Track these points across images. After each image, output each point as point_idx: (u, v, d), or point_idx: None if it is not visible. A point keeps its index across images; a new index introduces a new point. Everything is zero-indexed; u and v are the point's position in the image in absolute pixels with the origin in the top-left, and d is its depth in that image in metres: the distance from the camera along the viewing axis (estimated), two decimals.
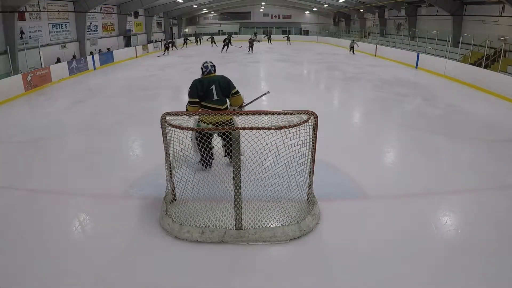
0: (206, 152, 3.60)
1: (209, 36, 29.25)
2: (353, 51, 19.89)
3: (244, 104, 4.30)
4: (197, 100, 4.00)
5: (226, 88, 4.05)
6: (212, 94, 3.97)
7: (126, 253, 3.00)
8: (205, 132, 3.38)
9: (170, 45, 22.59)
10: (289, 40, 28.93)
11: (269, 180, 3.26)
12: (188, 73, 12.93)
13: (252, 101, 4.64)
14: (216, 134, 3.92)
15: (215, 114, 3.72)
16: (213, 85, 3.98)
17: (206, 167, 4.06)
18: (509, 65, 10.65)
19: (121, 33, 20.70)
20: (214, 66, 4.19)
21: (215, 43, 26.82)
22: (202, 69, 4.15)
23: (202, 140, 3.44)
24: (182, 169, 3.29)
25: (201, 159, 3.91)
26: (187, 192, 3.33)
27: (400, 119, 7.12)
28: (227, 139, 3.37)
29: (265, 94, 4.95)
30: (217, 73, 4.21)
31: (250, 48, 21.01)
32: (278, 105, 8.03)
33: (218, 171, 3.18)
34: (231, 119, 3.68)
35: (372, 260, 2.88)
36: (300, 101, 8.59)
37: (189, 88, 4.04)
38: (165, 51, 21.53)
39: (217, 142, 4.17)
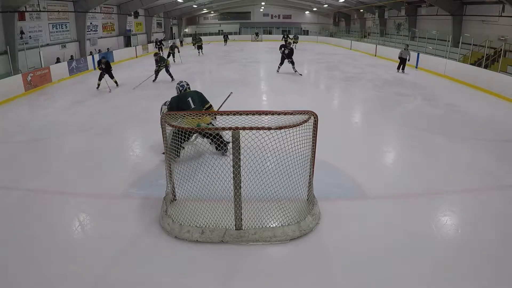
0: (176, 147, 3.74)
1: (194, 38, 22.24)
2: (403, 68, 12.69)
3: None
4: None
5: (201, 100, 4.73)
6: (189, 104, 4.62)
7: (126, 253, 3.00)
8: (184, 132, 3.55)
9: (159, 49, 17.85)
10: (295, 42, 23.34)
11: (269, 180, 3.26)
12: (188, 73, 12.93)
13: (220, 106, 5.36)
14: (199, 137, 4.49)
15: (200, 117, 4.12)
16: (189, 98, 4.67)
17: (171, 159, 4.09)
18: (509, 65, 10.65)
19: (121, 33, 20.68)
20: (188, 84, 4.91)
21: (201, 49, 19.91)
22: (178, 88, 4.85)
23: (179, 136, 3.48)
24: (182, 169, 3.29)
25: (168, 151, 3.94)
26: (187, 192, 3.33)
27: (400, 119, 7.13)
28: (211, 138, 4.15)
29: (229, 96, 5.59)
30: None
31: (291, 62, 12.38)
32: (278, 105, 8.05)
33: (218, 171, 3.18)
34: (210, 122, 4.41)
35: (372, 260, 2.89)
36: (300, 101, 8.59)
37: (168, 104, 4.77)
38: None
39: (203, 143, 4.56)
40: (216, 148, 4.55)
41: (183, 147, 4.12)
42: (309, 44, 28.66)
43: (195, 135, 4.50)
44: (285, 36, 26.26)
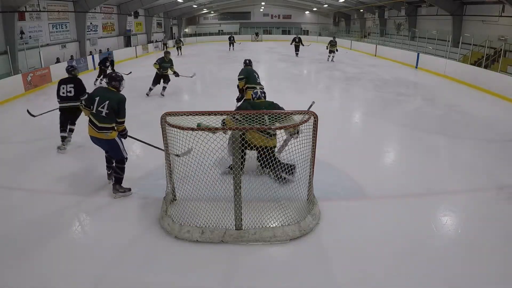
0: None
1: (177, 40, 20.79)
2: None
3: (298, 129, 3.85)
4: None
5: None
6: None
7: (126, 253, 3.00)
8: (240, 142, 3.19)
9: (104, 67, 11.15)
10: (332, 51, 16.05)
11: (269, 180, 3.26)
12: (188, 74, 12.90)
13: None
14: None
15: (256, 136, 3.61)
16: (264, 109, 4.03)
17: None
18: (509, 65, 10.65)
19: (121, 33, 20.69)
20: (264, 92, 4.33)
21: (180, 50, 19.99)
22: (252, 95, 4.34)
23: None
24: (182, 169, 3.29)
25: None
26: (187, 192, 3.33)
27: (400, 119, 7.12)
28: (260, 157, 3.49)
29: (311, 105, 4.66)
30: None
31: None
32: None
33: (218, 171, 3.18)
34: (274, 146, 3.77)
35: (372, 260, 2.89)
36: (300, 101, 8.57)
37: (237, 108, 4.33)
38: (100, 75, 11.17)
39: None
40: (285, 172, 3.93)
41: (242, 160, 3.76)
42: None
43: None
44: (297, 41, 18.33)
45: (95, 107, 3.70)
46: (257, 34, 31.45)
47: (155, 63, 8.86)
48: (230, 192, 3.12)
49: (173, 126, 3.09)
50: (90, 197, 3.97)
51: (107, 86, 3.84)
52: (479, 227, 3.37)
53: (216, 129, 3.04)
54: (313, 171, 3.45)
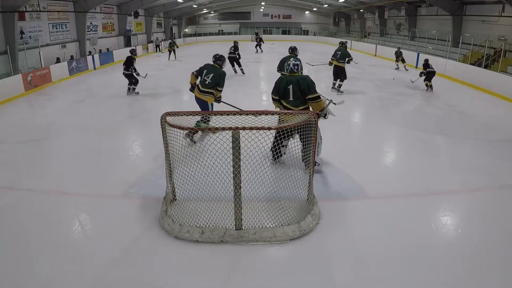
0: (278, 147, 3.57)
1: (170, 43, 18.50)
2: None
3: (326, 111, 4.00)
4: (277, 97, 4.05)
5: (304, 90, 3.89)
6: (288, 94, 3.91)
7: (126, 253, 3.00)
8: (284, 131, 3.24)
9: None
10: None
11: (269, 180, 3.26)
12: (188, 74, 12.92)
13: (328, 104, 4.23)
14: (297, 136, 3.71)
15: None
16: (291, 85, 3.91)
17: (275, 160, 4.12)
18: (509, 65, 10.65)
19: (121, 33, 20.69)
20: (296, 65, 4.01)
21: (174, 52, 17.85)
22: (285, 67, 4.10)
23: (281, 136, 3.45)
24: (182, 169, 3.29)
25: (273, 151, 3.87)
26: (187, 192, 3.33)
27: (400, 119, 7.12)
28: (304, 144, 3.39)
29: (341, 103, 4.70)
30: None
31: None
32: None
33: (218, 171, 3.17)
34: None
35: (372, 260, 2.88)
36: None
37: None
38: None
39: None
40: (303, 158, 3.79)
41: (286, 145, 3.83)
42: (309, 44, 28.68)
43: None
44: (342, 45, 9.90)
45: (203, 77, 5.24)
46: (257, 34, 31.40)
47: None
48: (230, 192, 3.12)
49: (173, 126, 3.09)
50: (90, 197, 3.97)
51: (213, 63, 5.35)
52: (479, 227, 3.37)
53: (216, 129, 3.04)
54: (313, 171, 3.45)
